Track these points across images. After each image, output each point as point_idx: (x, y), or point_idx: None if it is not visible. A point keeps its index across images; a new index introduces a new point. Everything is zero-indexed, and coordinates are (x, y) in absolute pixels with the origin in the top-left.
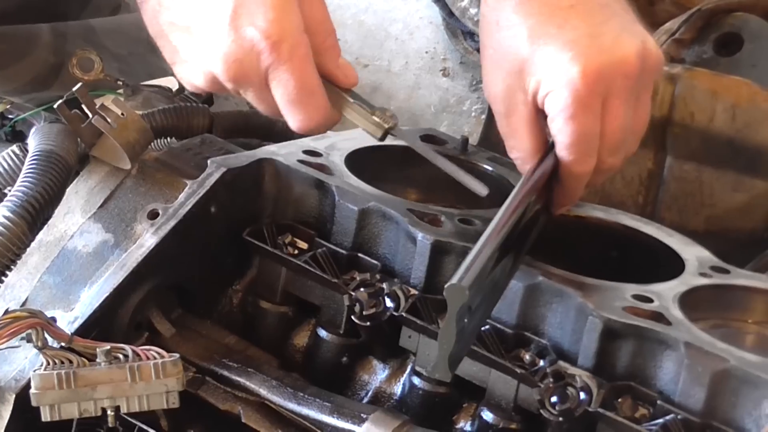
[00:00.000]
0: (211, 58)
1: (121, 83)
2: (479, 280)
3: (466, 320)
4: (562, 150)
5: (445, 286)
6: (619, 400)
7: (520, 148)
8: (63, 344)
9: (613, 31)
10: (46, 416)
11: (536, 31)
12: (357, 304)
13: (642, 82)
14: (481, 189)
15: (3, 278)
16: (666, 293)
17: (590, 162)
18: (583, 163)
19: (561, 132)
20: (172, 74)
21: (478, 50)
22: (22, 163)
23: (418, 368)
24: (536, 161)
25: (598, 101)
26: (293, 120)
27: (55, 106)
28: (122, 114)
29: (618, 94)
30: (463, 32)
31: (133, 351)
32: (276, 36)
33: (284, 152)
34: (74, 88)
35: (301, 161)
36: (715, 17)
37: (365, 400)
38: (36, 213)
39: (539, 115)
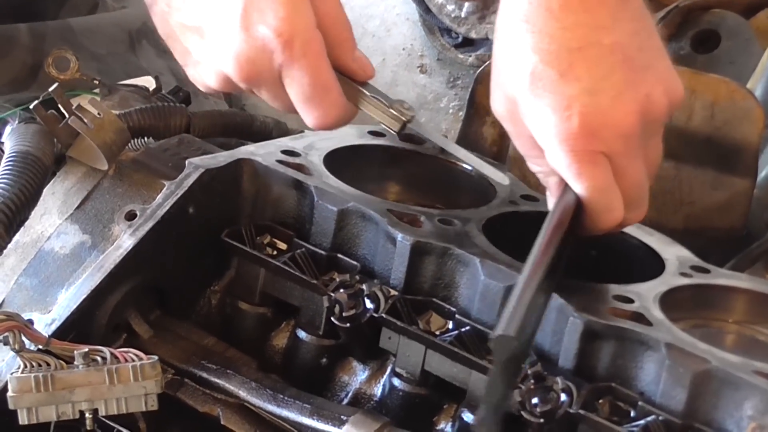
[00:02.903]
0: (223, 59)
1: (97, 83)
2: (524, 326)
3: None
4: (586, 204)
5: (491, 336)
6: (600, 401)
7: (537, 163)
8: (40, 347)
9: (614, 87)
10: (23, 419)
11: (538, 73)
12: (336, 306)
13: (648, 133)
14: (505, 180)
15: None
16: (647, 293)
17: (617, 212)
18: (608, 213)
19: (577, 188)
20: (150, 74)
21: (455, 47)
22: None
23: (398, 369)
24: (559, 177)
25: (600, 156)
26: (309, 117)
27: (31, 106)
28: (99, 114)
29: (622, 154)
30: (440, 29)
31: (111, 353)
32: (288, 33)
33: (263, 152)
34: (50, 89)
35: (279, 161)
36: (692, 14)
37: (345, 401)
38: (12, 215)
39: None
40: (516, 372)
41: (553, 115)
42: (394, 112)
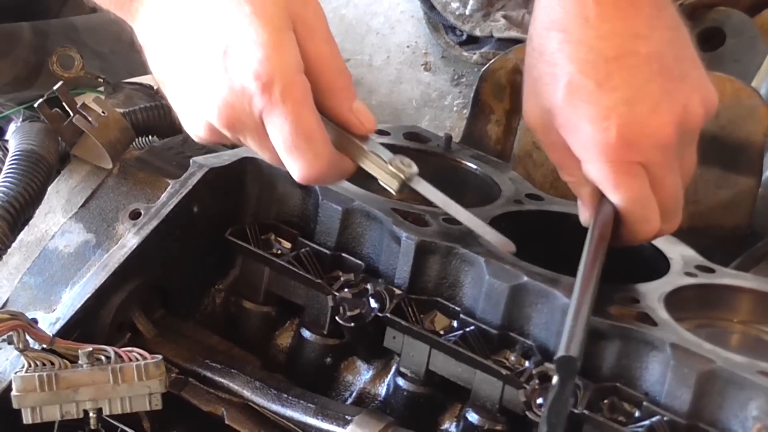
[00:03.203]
0: (205, 105)
1: (101, 81)
2: (584, 343)
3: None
4: (623, 216)
5: (555, 358)
6: (605, 401)
7: (570, 173)
8: (44, 346)
9: (652, 97)
10: (27, 418)
11: (575, 83)
12: (341, 305)
13: (684, 143)
14: (510, 247)
15: None
16: (651, 293)
17: (654, 222)
18: (646, 223)
19: (614, 199)
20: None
21: (459, 44)
22: (2, 162)
23: (402, 369)
24: (592, 187)
25: (638, 166)
26: (293, 168)
27: (35, 105)
28: (103, 113)
29: (659, 165)
30: (444, 26)
31: (116, 352)
32: (267, 76)
33: None
34: (55, 87)
35: None
36: (697, 11)
37: (349, 401)
38: (17, 213)
39: None
40: (571, 390)
41: (590, 126)
42: (393, 170)
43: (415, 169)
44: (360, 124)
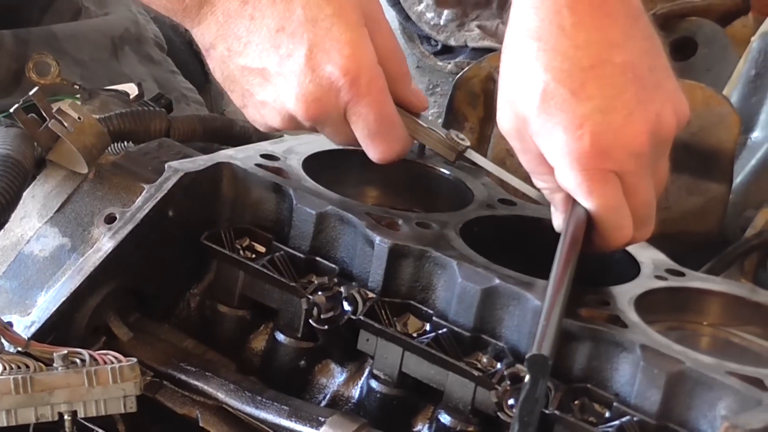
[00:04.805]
0: (289, 99)
1: (78, 87)
2: (555, 344)
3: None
4: (596, 223)
5: (527, 357)
6: (576, 402)
7: (543, 180)
8: (19, 349)
9: (626, 106)
10: (2, 421)
11: (550, 91)
12: (315, 308)
13: (657, 152)
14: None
15: None
16: (622, 296)
17: (626, 230)
18: (619, 231)
19: (588, 206)
20: (132, 80)
21: (434, 54)
22: None
23: (375, 371)
24: (565, 194)
25: (611, 174)
26: (374, 152)
27: (11, 110)
28: (79, 118)
29: (633, 173)
30: (419, 36)
31: (91, 355)
32: (354, 71)
33: (242, 156)
34: (31, 92)
35: (258, 165)
36: (669, 21)
37: (323, 403)
38: None
39: None
40: (543, 389)
41: (564, 133)
42: (450, 143)
43: (467, 142)
44: (419, 103)
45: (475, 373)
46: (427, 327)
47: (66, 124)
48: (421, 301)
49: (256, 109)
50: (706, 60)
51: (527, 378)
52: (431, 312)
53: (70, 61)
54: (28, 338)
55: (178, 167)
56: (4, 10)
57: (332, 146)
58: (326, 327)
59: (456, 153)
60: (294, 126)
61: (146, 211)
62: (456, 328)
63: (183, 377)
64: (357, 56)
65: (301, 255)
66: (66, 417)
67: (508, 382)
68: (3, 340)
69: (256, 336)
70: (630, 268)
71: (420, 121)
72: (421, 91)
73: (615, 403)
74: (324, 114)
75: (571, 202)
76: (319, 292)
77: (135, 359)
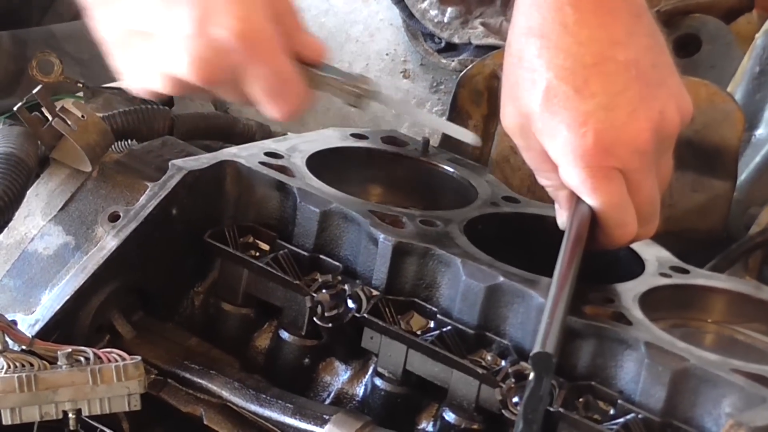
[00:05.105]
0: (180, 63)
1: (81, 86)
2: (559, 341)
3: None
4: (600, 220)
5: (531, 354)
6: (580, 399)
7: (547, 178)
8: (24, 347)
9: (629, 103)
10: (6, 419)
11: (553, 89)
12: (319, 306)
13: (660, 149)
14: (477, 141)
15: None
16: (626, 293)
17: (630, 227)
18: (623, 228)
19: (591, 203)
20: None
21: (438, 52)
22: None
23: (380, 369)
24: (569, 191)
25: (615, 171)
26: (273, 110)
27: (15, 108)
28: (82, 116)
29: (636, 170)
30: (423, 34)
31: (95, 354)
32: (246, 33)
33: (245, 154)
34: (34, 91)
35: (262, 163)
36: (673, 18)
37: (327, 401)
38: None
39: None
40: (548, 386)
41: (568, 131)
42: (352, 89)
43: (373, 86)
44: (314, 53)
45: (480, 370)
46: (431, 325)
47: (69, 123)
48: (425, 299)
49: (138, 72)
50: (710, 57)
51: (531, 376)
52: (435, 310)
53: (70, 60)
54: (33, 336)
55: (182, 165)
56: (3, 12)
57: (336, 144)
58: (330, 325)
59: (356, 96)
60: (178, 89)
61: (150, 209)
62: (460, 326)
63: (187, 375)
64: (248, 17)
65: (305, 253)
66: (70, 415)
67: (513, 380)
68: (7, 339)
69: (260, 334)
70: (634, 266)
71: (319, 72)
72: (317, 39)
73: (619, 401)
74: (216, 76)
75: (575, 200)
76: (323, 290)
77: (139, 357)
